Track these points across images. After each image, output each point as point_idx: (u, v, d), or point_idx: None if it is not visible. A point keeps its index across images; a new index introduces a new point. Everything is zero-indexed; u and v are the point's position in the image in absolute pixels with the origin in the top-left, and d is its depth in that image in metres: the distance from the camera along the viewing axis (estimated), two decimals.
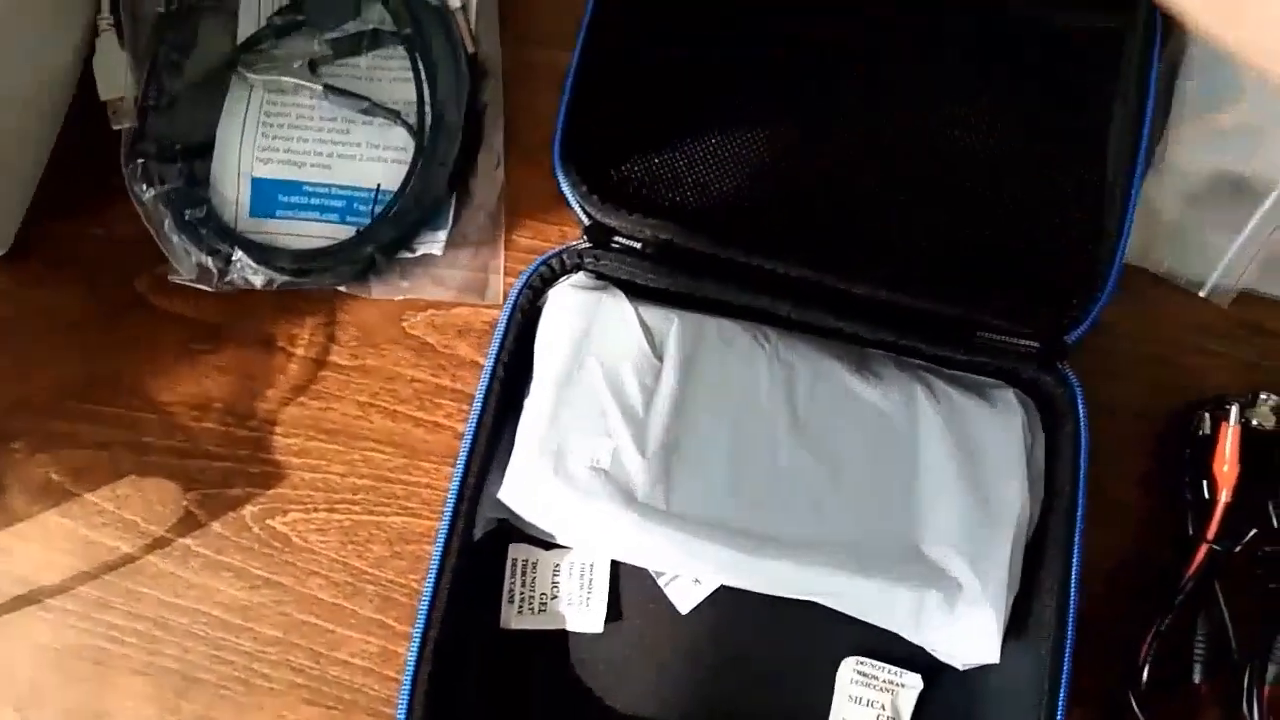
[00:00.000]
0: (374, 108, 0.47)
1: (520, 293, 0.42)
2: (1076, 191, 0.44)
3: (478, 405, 0.41)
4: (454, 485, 0.40)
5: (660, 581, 0.44)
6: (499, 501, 0.41)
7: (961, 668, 0.43)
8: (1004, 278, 0.44)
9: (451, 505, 0.40)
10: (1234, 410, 0.46)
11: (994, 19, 0.46)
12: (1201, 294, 0.50)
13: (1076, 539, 0.41)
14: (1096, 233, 0.43)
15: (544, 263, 0.43)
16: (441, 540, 0.40)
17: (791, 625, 0.44)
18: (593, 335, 0.42)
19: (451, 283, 0.47)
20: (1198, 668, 0.45)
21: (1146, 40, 0.45)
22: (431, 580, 0.39)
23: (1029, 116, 0.45)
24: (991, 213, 0.45)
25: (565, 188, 0.43)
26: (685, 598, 0.44)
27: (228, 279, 0.45)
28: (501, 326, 0.42)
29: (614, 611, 0.44)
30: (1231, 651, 0.45)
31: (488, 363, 0.41)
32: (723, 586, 0.44)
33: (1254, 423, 0.46)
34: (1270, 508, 0.47)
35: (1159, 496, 0.48)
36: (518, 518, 0.42)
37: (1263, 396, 0.47)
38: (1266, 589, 0.46)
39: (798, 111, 0.44)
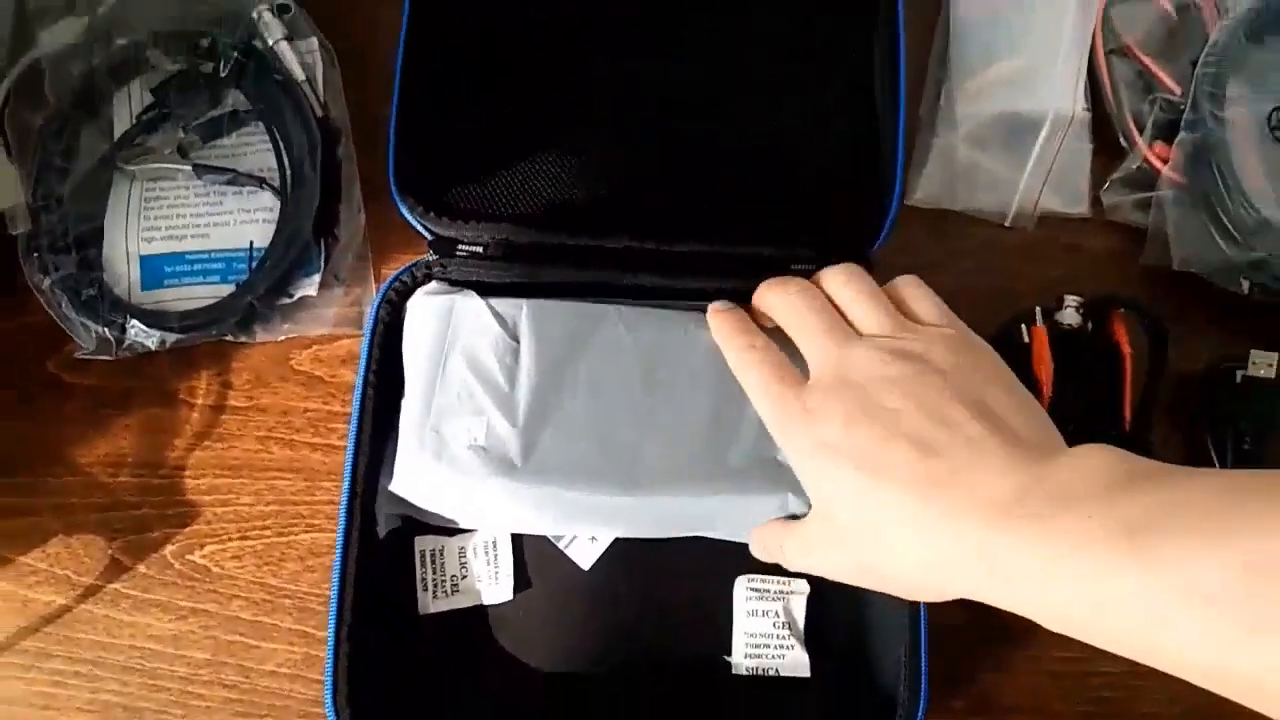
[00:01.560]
0: (239, 177, 0.52)
1: (379, 307, 0.47)
2: (852, 129, 0.50)
3: (355, 415, 0.45)
4: (344, 489, 0.44)
5: (560, 545, 0.48)
6: (395, 497, 0.45)
7: None
8: (806, 215, 0.50)
9: (345, 507, 0.44)
10: (1038, 313, 0.51)
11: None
12: (1006, 224, 0.55)
13: None
14: (876, 163, 0.49)
15: (397, 278, 0.48)
16: (340, 541, 0.44)
17: (686, 561, 0.48)
18: (452, 331, 0.47)
19: (329, 318, 0.52)
20: None
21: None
22: (336, 578, 0.43)
23: (802, 72, 0.52)
24: (783, 160, 0.51)
25: (405, 212, 0.48)
26: (585, 555, 0.48)
27: (126, 346, 0.50)
28: (366, 340, 0.47)
29: (523, 580, 0.48)
30: None
31: (358, 376, 0.46)
32: (618, 539, 0.48)
33: (1063, 324, 0.51)
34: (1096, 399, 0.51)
35: None
36: (416, 509, 0.46)
37: (1067, 299, 0.51)
38: None
39: (596, 108, 0.50)
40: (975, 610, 0.46)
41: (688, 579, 0.48)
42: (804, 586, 0.48)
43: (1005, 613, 0.42)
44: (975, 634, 0.49)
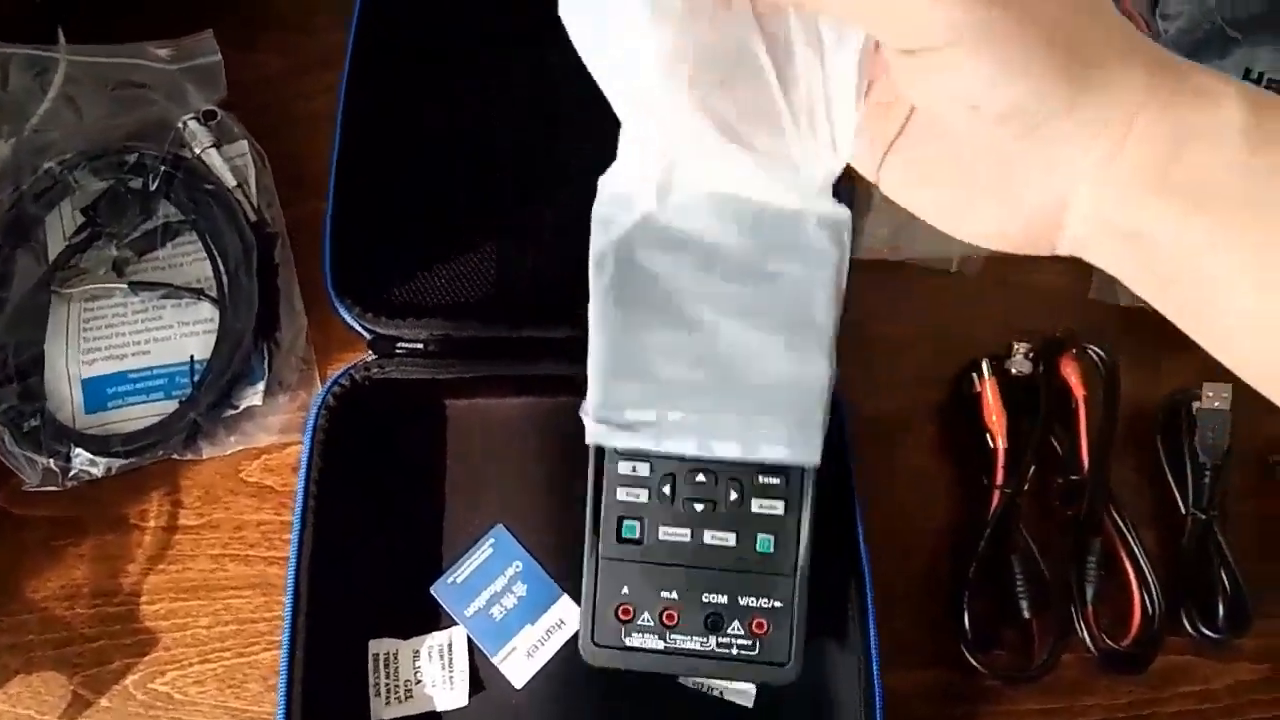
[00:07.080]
0: (175, 290, 0.52)
1: (318, 414, 0.47)
2: None
3: (296, 528, 0.45)
4: (287, 604, 0.44)
5: (494, 660, 0.47)
6: None
7: None
8: None
9: (288, 623, 0.44)
10: (985, 366, 0.50)
11: None
12: (952, 270, 0.55)
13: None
14: None
15: (335, 382, 0.48)
16: (285, 662, 0.43)
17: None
18: None
19: (275, 427, 0.51)
20: (1024, 604, 0.48)
21: None
22: (282, 701, 0.42)
23: None
24: None
25: (344, 314, 0.48)
26: (519, 672, 0.47)
27: (72, 475, 0.49)
28: (306, 449, 0.46)
29: (477, 685, 0.47)
30: (1047, 582, 0.49)
31: (299, 487, 0.45)
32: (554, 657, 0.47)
33: (1014, 371, 0.51)
34: (1053, 442, 0.51)
35: (954, 458, 0.52)
36: None
37: (1016, 346, 0.51)
38: (1066, 518, 0.50)
39: (537, 197, 0.50)
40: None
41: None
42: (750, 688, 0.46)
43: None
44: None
